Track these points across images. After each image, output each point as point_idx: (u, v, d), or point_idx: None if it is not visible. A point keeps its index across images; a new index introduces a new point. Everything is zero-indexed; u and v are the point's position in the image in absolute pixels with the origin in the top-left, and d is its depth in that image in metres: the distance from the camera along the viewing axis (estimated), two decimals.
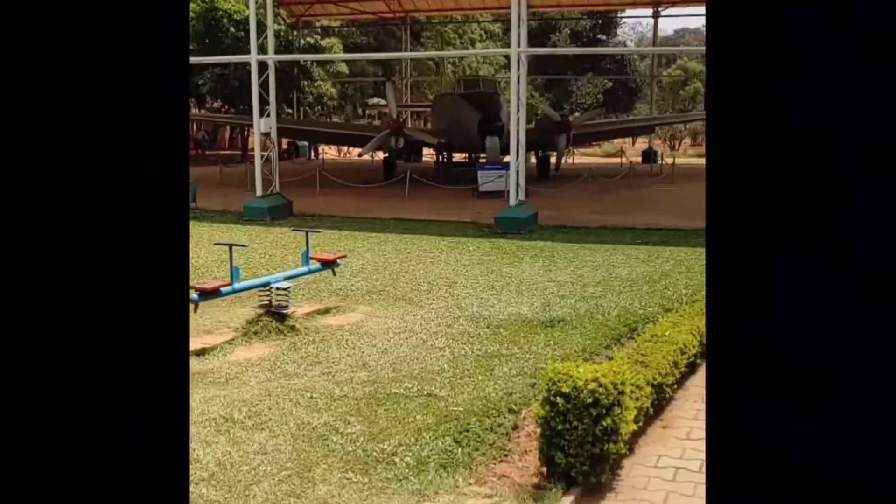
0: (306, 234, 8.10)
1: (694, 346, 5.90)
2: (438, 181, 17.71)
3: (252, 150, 18.58)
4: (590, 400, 4.13)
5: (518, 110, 12.35)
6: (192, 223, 12.17)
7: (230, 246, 7.00)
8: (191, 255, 8.54)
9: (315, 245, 8.52)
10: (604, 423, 4.17)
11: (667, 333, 5.89)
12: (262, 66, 13.77)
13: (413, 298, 8.10)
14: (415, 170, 17.95)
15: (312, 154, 27.37)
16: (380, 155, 19.82)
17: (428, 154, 21.13)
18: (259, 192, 13.80)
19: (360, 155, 21.34)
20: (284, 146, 24.22)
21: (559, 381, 4.20)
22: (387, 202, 15.32)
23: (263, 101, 13.74)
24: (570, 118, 20.38)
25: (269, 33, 14.06)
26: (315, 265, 7.78)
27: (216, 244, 8.48)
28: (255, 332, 6.53)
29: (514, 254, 10.43)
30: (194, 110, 26.24)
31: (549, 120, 18.95)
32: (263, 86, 13.71)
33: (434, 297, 8.15)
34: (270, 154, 14.55)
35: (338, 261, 8.02)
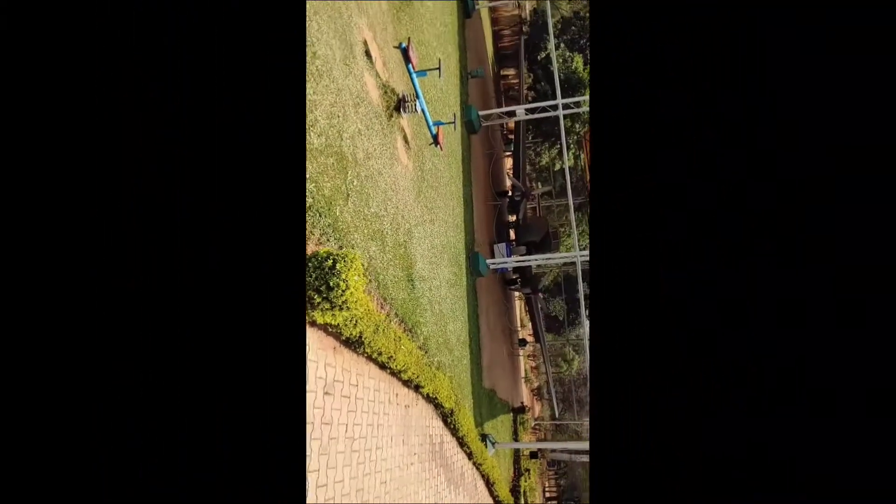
0: (446, 124, 10.27)
1: None
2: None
3: None
4: None
5: None
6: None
7: (440, 65, 8.94)
8: (421, 41, 10.75)
9: (445, 129, 10.45)
10: None
11: None
12: None
13: (423, 191, 9.64)
14: None
15: None
16: None
17: None
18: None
19: None
20: None
21: None
22: None
23: None
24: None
25: None
26: (434, 129, 9.75)
27: (438, 59, 10.26)
28: (387, 97, 8.45)
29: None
30: None
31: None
32: None
33: (432, 198, 9.70)
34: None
35: (439, 144, 10.03)
